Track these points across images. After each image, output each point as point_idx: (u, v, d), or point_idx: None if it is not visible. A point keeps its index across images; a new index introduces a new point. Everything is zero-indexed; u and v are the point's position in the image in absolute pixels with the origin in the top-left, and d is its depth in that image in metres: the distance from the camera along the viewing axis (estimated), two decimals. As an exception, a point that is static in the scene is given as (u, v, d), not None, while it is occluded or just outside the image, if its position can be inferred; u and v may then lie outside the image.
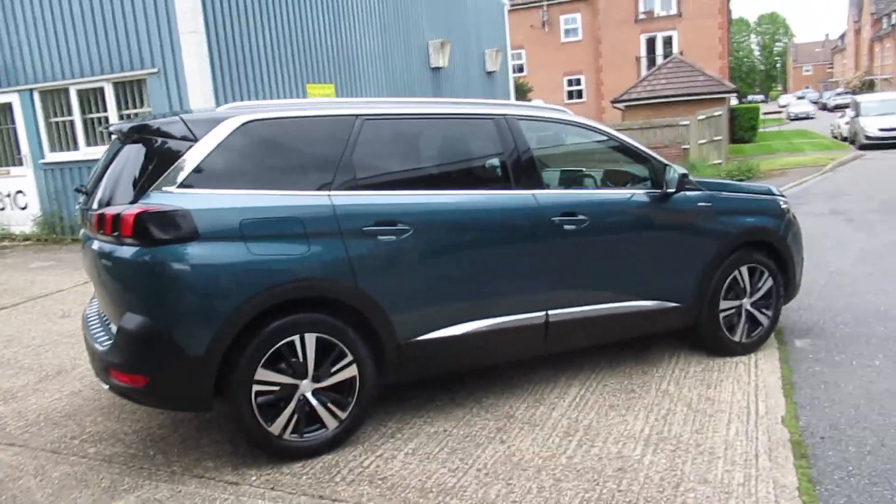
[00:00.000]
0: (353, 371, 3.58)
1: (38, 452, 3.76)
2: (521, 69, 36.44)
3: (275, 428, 3.43)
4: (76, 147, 10.59)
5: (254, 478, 3.37)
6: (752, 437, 3.59)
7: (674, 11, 33.68)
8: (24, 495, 3.31)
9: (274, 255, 3.36)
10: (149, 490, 3.30)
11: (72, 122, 10.52)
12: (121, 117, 10.00)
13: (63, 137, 10.70)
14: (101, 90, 10.09)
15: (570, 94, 36.53)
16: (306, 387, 3.48)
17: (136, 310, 3.28)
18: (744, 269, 4.71)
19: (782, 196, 5.11)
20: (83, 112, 10.37)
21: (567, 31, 36.07)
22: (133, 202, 3.27)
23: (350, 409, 3.61)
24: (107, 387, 3.47)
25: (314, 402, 3.51)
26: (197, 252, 3.24)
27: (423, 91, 15.57)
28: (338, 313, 3.52)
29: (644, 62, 33.91)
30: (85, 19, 9.80)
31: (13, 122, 10.83)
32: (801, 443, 3.52)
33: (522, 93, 29.21)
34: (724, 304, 4.66)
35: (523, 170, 4.05)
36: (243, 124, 3.49)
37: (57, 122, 10.69)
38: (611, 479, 3.22)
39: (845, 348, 4.85)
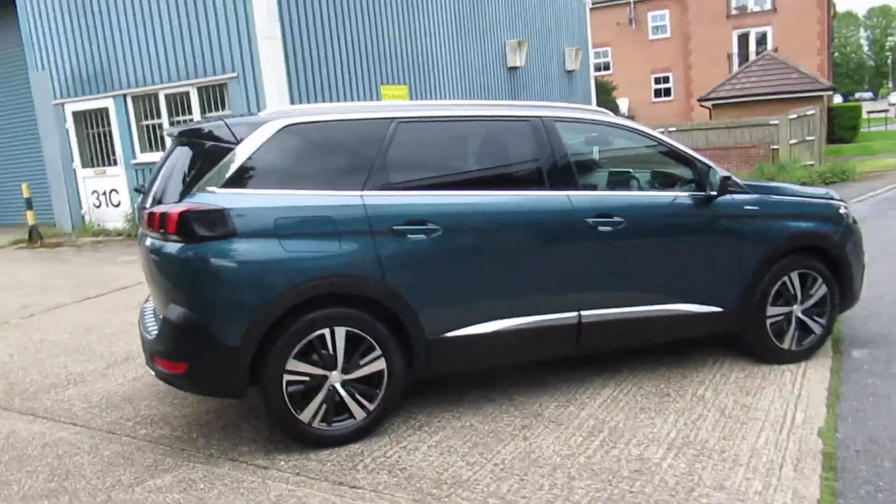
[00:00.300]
0: (381, 364, 3.72)
1: (95, 432, 4.09)
2: (606, 67, 35.90)
3: (304, 416, 3.61)
4: (164, 148, 11.24)
5: (282, 463, 3.56)
6: (781, 446, 3.50)
7: (768, 6, 32.35)
8: (77, 470, 3.61)
9: (306, 252, 3.54)
10: (185, 470, 3.54)
11: (160, 125, 11.19)
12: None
13: (152, 139, 11.40)
14: (187, 94, 10.70)
15: (658, 93, 35.68)
16: (335, 378, 3.65)
17: (178, 301, 3.53)
18: (794, 275, 4.56)
19: (842, 201, 4.91)
20: (171, 115, 11.02)
21: (655, 28, 35.24)
22: (179, 201, 3.53)
23: (378, 400, 3.75)
24: (153, 373, 3.74)
25: (343, 392, 3.67)
26: (234, 248, 3.46)
27: (499, 91, 15.64)
28: (367, 309, 3.67)
29: (736, 59, 32.72)
30: (172, 28, 10.41)
31: (109, 124, 11.62)
32: (833, 455, 3.41)
33: (606, 91, 28.76)
34: (771, 310, 4.53)
35: (558, 171, 4.09)
36: (283, 128, 3.69)
37: (147, 125, 11.39)
38: (625, 481, 3.22)
39: None
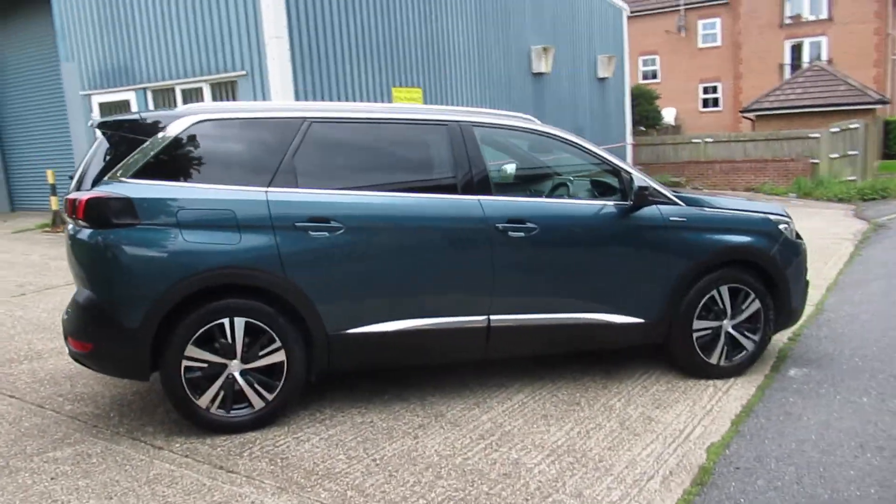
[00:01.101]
0: (281, 356, 3.83)
1: (25, 405, 4.32)
2: (654, 76, 35.37)
3: (202, 401, 3.76)
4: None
5: (177, 445, 3.71)
6: (662, 459, 3.49)
7: (824, 16, 31.35)
8: (-9, 438, 3.85)
9: (205, 243, 3.68)
10: (87, 445, 3.72)
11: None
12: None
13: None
14: (200, 90, 11.04)
15: (706, 102, 34.96)
16: (235, 367, 3.78)
17: (85, 285, 3.73)
18: (724, 289, 4.51)
19: (784, 217, 4.81)
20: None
21: (705, 37, 34.53)
22: (90, 189, 3.72)
23: (277, 391, 3.87)
24: (67, 352, 3.94)
25: (241, 381, 3.80)
26: (135, 236, 3.63)
27: (522, 97, 15.62)
28: (267, 301, 3.79)
29: (787, 70, 31.81)
30: (188, 26, 10.76)
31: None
32: (710, 470, 3.38)
33: (648, 100, 28.33)
34: (698, 324, 4.49)
35: (471, 176, 4.13)
36: (195, 123, 3.84)
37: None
38: (488, 483, 3.26)
39: (840, 382, 4.50)
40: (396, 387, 4.46)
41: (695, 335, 4.50)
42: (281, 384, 3.87)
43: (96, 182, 3.73)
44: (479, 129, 4.24)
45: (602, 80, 19.52)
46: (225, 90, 10.77)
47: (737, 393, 4.36)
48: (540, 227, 4.15)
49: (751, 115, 24.48)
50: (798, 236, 4.89)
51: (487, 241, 4.06)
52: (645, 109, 28.27)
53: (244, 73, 10.32)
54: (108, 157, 3.80)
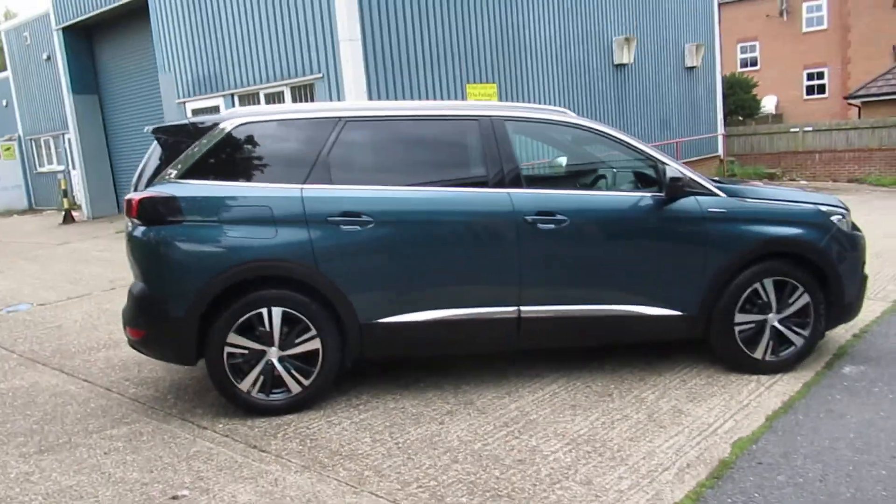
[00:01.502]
0: (316, 344, 4.04)
1: (96, 388, 4.74)
2: (753, 63, 33.87)
3: (243, 385, 4.02)
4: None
5: (220, 426, 3.98)
6: (682, 451, 3.46)
7: (944, -8, 29.07)
8: (61, 416, 4.26)
9: (244, 238, 3.94)
10: (141, 425, 4.06)
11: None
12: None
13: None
14: (282, 94, 11.56)
15: (810, 90, 33.15)
16: (273, 353, 4.02)
17: (139, 278, 4.07)
18: (769, 282, 4.37)
19: (838, 207, 4.61)
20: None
21: (809, 20, 32.75)
22: (143, 190, 4.05)
23: (313, 377, 4.08)
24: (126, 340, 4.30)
25: (279, 367, 4.03)
26: (181, 232, 3.93)
27: (603, 89, 15.39)
28: (302, 292, 4.00)
29: (902, 52, 29.69)
30: (270, 33, 11.29)
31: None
32: (730, 464, 3.32)
33: (745, 89, 27.20)
34: (740, 318, 4.38)
35: (501, 169, 4.20)
36: (236, 126, 4.11)
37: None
38: (501, 468, 3.34)
39: None
40: (434, 375, 4.58)
41: (737, 329, 4.39)
42: (317, 370, 4.08)
43: (149, 183, 4.06)
44: (510, 123, 4.30)
45: (690, 69, 18.91)
46: (304, 93, 11.23)
47: (780, 388, 4.22)
48: (570, 219, 4.18)
49: (856, 101, 23.05)
50: (855, 228, 4.67)
51: (516, 233, 4.12)
52: (741, 98, 27.16)
53: (320, 75, 10.73)
54: (160, 160, 4.12)
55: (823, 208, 4.53)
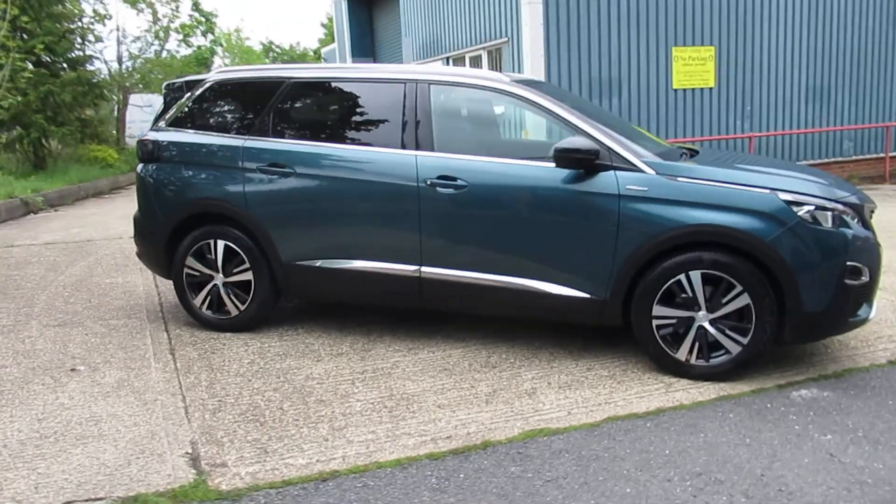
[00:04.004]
0: (249, 276, 4.69)
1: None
2: None
3: (196, 301, 4.84)
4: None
5: (178, 328, 4.87)
6: (465, 424, 3.42)
7: None
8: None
9: (198, 179, 4.72)
10: (137, 321, 5.14)
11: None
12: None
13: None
14: (480, 57, 12.04)
15: None
16: (219, 279, 4.76)
17: (137, 203, 5.10)
18: (695, 275, 3.85)
19: (814, 196, 3.80)
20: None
21: None
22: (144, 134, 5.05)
23: (247, 304, 4.73)
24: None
25: (222, 291, 4.76)
26: (157, 170, 4.85)
27: (876, 61, 12.84)
28: (238, 229, 4.66)
29: None
30: (471, 3, 11.83)
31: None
32: (490, 444, 3.22)
33: None
34: (659, 310, 3.94)
35: (415, 132, 4.32)
36: (211, 84, 4.87)
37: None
38: (300, 398, 3.68)
39: (848, 411, 3.52)
40: (382, 325, 4.91)
41: (654, 323, 3.96)
42: (249, 298, 4.72)
43: (150, 129, 5.04)
44: (434, 87, 4.37)
45: None
46: (495, 57, 11.60)
47: (679, 396, 3.75)
48: (469, 185, 4.16)
49: None
50: (842, 223, 3.80)
51: (417, 194, 4.24)
52: None
53: (505, 40, 10.99)
54: (160, 110, 5.07)
55: (785, 196, 3.78)
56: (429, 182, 4.21)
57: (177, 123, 4.92)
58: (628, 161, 3.97)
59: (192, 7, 21.00)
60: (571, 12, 10.46)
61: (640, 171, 3.94)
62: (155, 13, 19.70)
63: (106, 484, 2.89)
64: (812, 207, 3.77)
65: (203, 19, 21.13)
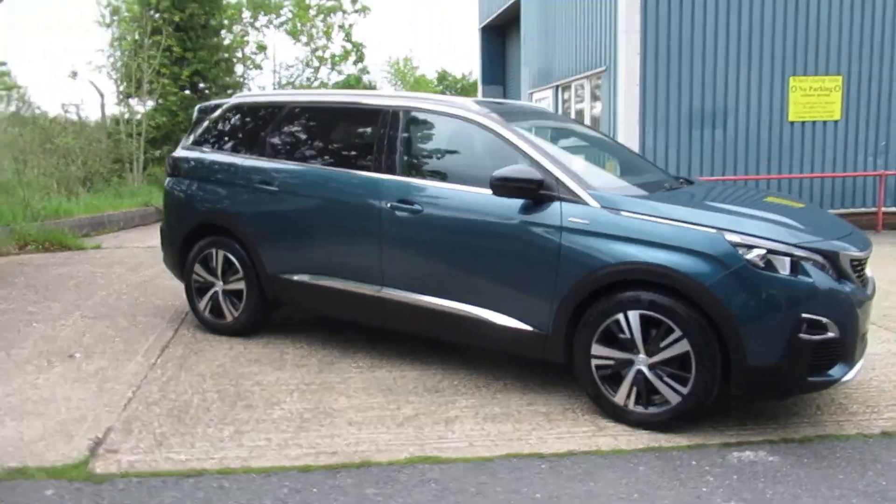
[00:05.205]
0: (241, 285, 5.02)
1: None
2: None
3: (200, 306, 5.24)
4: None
5: (182, 325, 5.29)
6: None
7: None
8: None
9: (205, 193, 5.14)
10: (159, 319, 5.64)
11: (576, 108, 12.63)
12: (591, 107, 11.59)
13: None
14: (583, 84, 11.84)
15: None
16: (219, 286, 5.13)
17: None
18: (633, 316, 3.63)
19: (768, 239, 3.44)
20: (576, 102, 12.42)
21: None
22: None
23: (240, 310, 5.05)
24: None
25: (221, 298, 5.13)
26: (176, 184, 5.34)
27: None
28: (234, 240, 5.00)
29: None
30: (577, 30, 11.71)
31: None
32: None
33: None
34: (598, 350, 3.76)
35: (384, 156, 4.43)
36: (231, 106, 5.29)
37: (572, 109, 13.02)
38: (232, 400, 3.90)
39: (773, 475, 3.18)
40: (376, 341, 5.04)
41: (593, 362, 3.77)
42: (242, 305, 5.04)
43: (179, 147, 5.56)
44: (404, 114, 4.47)
45: None
46: (595, 84, 11.39)
47: (603, 441, 3.54)
48: (424, 210, 4.20)
49: None
50: (801, 270, 3.42)
51: (378, 216, 4.35)
52: None
53: (604, 68, 10.77)
54: (191, 130, 5.57)
55: (732, 237, 3.47)
56: (390, 205, 4.30)
57: (198, 142, 5.39)
58: (574, 192, 3.83)
59: (344, 38, 22.43)
60: (672, 41, 10.07)
61: (585, 203, 3.79)
62: (311, 37, 21.29)
63: (11, 455, 3.25)
64: (763, 251, 3.43)
65: (353, 48, 22.49)
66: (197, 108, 5.77)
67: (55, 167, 11.85)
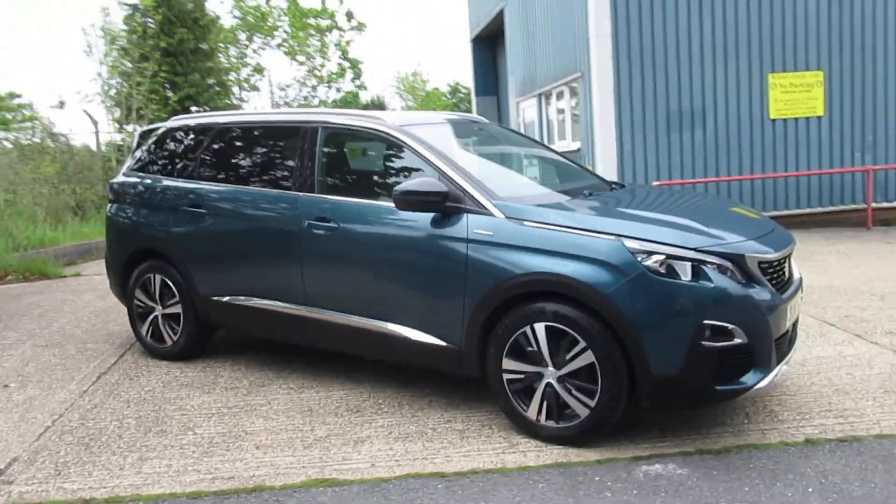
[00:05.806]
0: (178, 308, 5.02)
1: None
2: None
3: (142, 330, 5.24)
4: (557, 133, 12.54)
5: (127, 352, 5.30)
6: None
7: None
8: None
9: (141, 218, 5.16)
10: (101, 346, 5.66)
11: (556, 116, 12.54)
12: (570, 112, 11.49)
13: (553, 128, 12.87)
14: (562, 92, 11.76)
15: None
16: (158, 311, 5.13)
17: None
18: (540, 328, 3.56)
19: (674, 246, 3.35)
20: (558, 108, 12.35)
21: None
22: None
23: (178, 333, 5.05)
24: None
25: (160, 321, 5.13)
26: (118, 210, 5.37)
27: None
28: (170, 264, 5.01)
29: None
30: (552, 36, 11.63)
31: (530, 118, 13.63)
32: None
33: None
34: (508, 364, 3.68)
35: (303, 174, 4.41)
36: (167, 129, 5.31)
37: (551, 118, 12.93)
38: (152, 422, 3.88)
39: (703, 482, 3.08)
40: (315, 362, 5.01)
41: (505, 377, 3.70)
42: (180, 328, 5.04)
43: (120, 174, 5.59)
44: (322, 130, 4.45)
45: None
46: (571, 91, 11.31)
47: (512, 458, 3.46)
48: (339, 226, 4.17)
49: None
50: (702, 275, 3.32)
51: (297, 235, 4.33)
52: None
53: (579, 74, 10.70)
54: (132, 156, 5.60)
55: (631, 244, 3.39)
56: (307, 223, 4.28)
57: (135, 167, 5.41)
58: (480, 203, 3.77)
59: (341, 56, 22.57)
60: (645, 43, 9.98)
61: (490, 214, 3.73)
62: (309, 56, 21.46)
63: None
64: (662, 257, 3.34)
65: (350, 65, 22.62)
66: (137, 132, 5.80)
67: (45, 196, 12.01)
